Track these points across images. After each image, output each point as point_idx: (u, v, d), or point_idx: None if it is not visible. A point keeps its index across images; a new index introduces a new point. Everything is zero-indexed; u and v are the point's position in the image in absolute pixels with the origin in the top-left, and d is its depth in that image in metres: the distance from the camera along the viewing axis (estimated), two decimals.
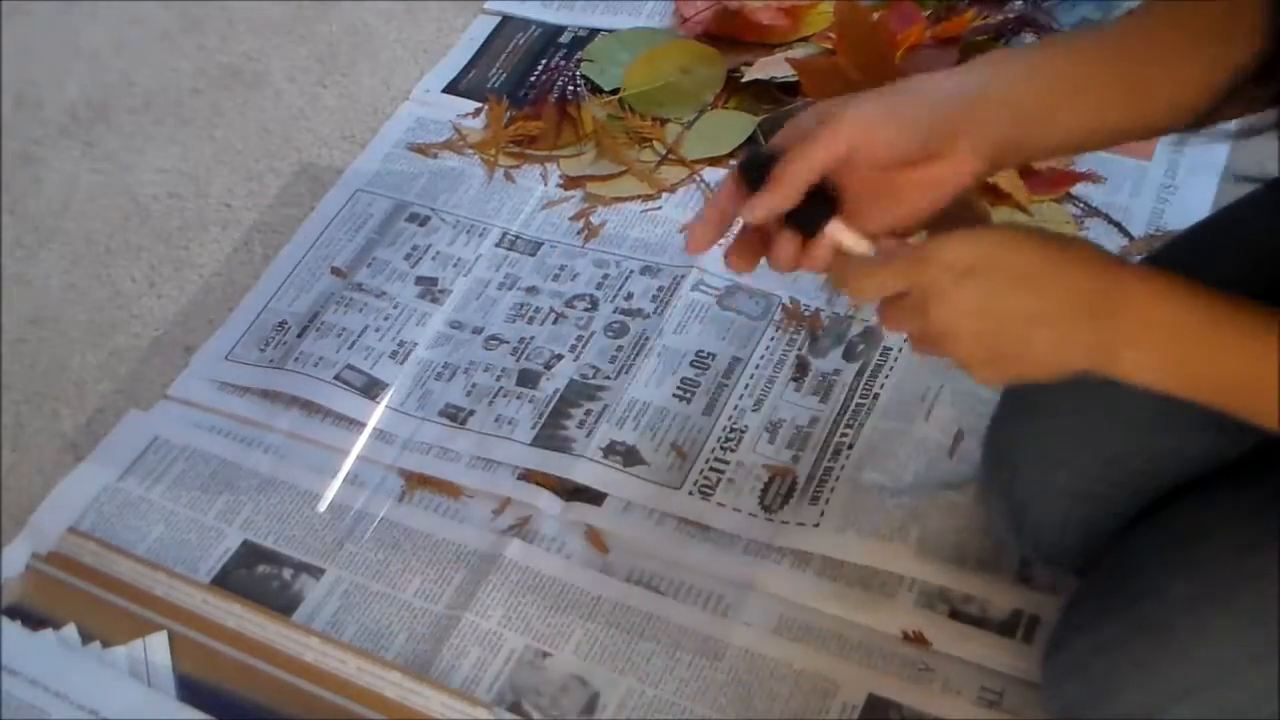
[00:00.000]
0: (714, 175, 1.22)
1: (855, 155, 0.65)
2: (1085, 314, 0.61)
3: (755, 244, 0.72)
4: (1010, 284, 0.61)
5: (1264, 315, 0.60)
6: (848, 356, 1.06)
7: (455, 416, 1.06)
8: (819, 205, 0.67)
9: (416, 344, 1.12)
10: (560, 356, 1.09)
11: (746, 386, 1.05)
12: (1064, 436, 0.77)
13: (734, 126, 1.25)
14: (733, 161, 0.72)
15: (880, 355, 1.05)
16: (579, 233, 1.19)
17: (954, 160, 0.66)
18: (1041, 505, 0.80)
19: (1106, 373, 0.62)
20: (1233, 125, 0.66)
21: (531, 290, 1.15)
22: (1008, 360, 0.62)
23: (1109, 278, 0.62)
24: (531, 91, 1.33)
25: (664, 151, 1.24)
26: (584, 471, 1.00)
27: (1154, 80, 0.66)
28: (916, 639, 0.88)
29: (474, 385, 1.08)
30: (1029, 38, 1.29)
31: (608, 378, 1.07)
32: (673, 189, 1.22)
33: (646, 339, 1.09)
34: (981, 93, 0.66)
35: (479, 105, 1.33)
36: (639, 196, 1.21)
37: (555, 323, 1.12)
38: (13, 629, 0.93)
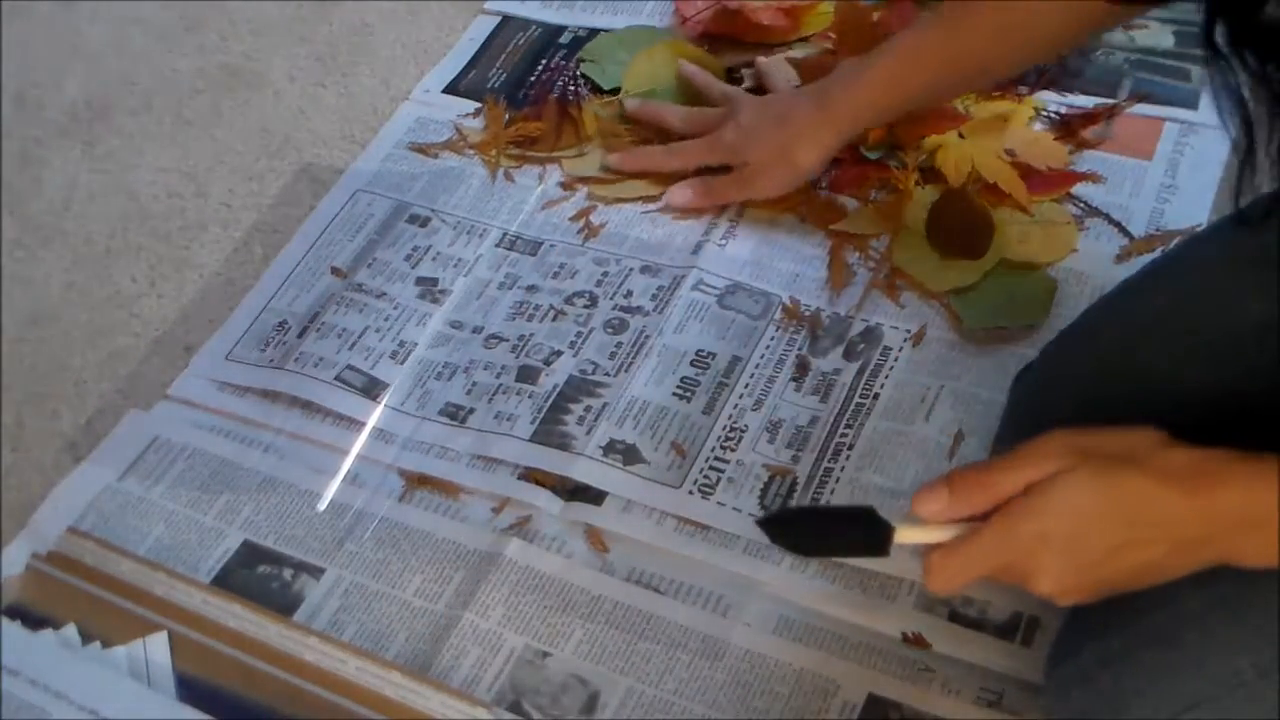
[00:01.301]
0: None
1: None
2: (1194, 541, 0.61)
3: None
4: (1111, 551, 0.61)
5: None
6: (848, 356, 1.06)
7: (455, 415, 1.06)
8: (873, 525, 0.68)
9: (416, 344, 1.12)
10: (559, 353, 1.09)
11: (746, 386, 1.05)
12: None
13: None
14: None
15: (880, 355, 1.05)
16: (579, 232, 1.19)
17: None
18: None
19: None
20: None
21: (531, 289, 1.15)
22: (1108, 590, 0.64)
23: (1204, 491, 0.61)
24: (531, 91, 1.33)
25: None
26: (584, 470, 1.00)
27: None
28: (916, 640, 0.88)
29: (474, 384, 1.08)
30: None
31: (607, 374, 1.07)
32: None
33: (646, 337, 1.09)
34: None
35: (479, 105, 1.33)
36: (641, 197, 1.21)
37: (555, 320, 1.12)
38: (13, 629, 0.93)
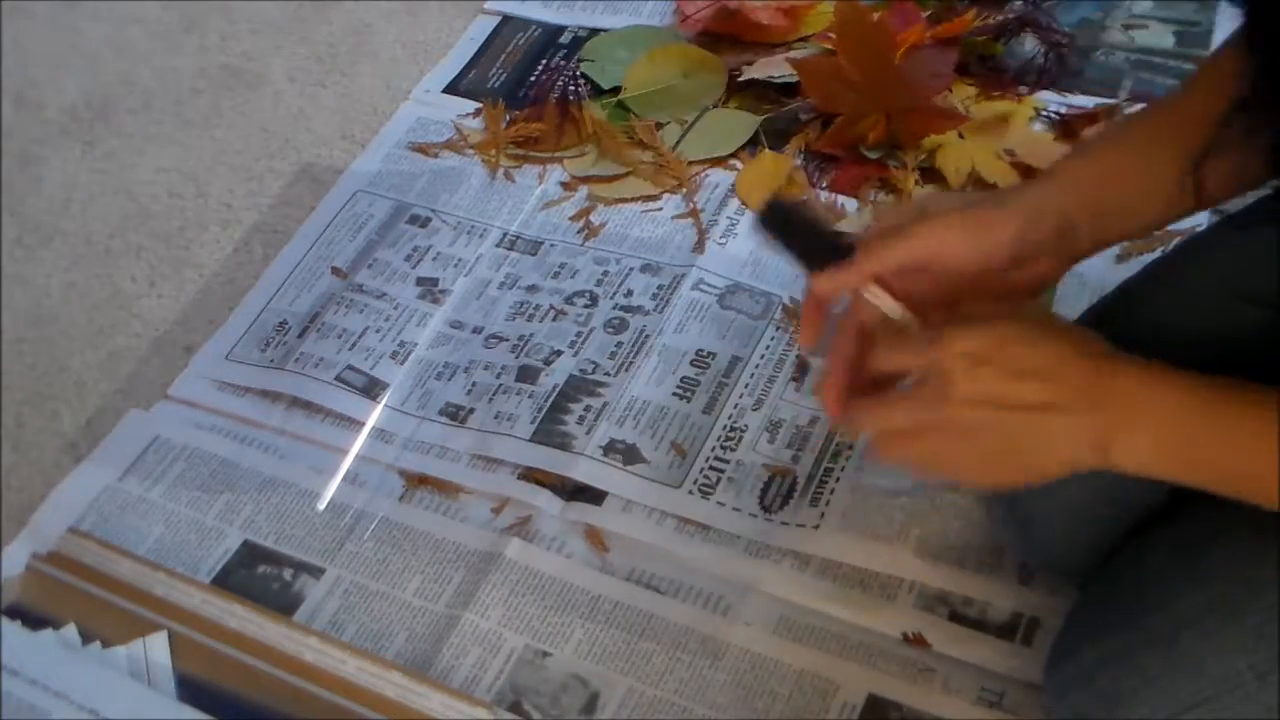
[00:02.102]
0: (716, 176, 1.22)
1: (933, 263, 0.69)
2: (1087, 405, 0.62)
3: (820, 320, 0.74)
4: (1021, 374, 0.62)
5: (1264, 394, 0.61)
6: None
7: (455, 415, 1.06)
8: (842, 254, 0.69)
9: (417, 344, 1.12)
10: (560, 352, 1.09)
11: (746, 386, 1.05)
12: None
13: (735, 126, 1.25)
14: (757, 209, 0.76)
15: None
16: (579, 232, 1.19)
17: (1035, 267, 0.71)
18: (1047, 521, 0.80)
19: (1107, 465, 0.63)
20: None
21: (532, 289, 1.15)
22: (1009, 457, 0.64)
23: (1107, 367, 0.63)
24: (531, 91, 1.33)
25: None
26: (584, 469, 1.00)
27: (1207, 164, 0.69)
28: (917, 640, 0.88)
29: (474, 384, 1.08)
30: (1029, 38, 1.30)
31: (607, 374, 1.07)
32: (675, 190, 1.22)
33: (646, 337, 1.09)
34: (1061, 210, 0.71)
35: (479, 105, 1.33)
36: (641, 197, 1.21)
37: (555, 320, 1.12)
38: (13, 629, 0.93)
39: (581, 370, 1.07)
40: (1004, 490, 0.83)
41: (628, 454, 1.01)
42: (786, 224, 0.71)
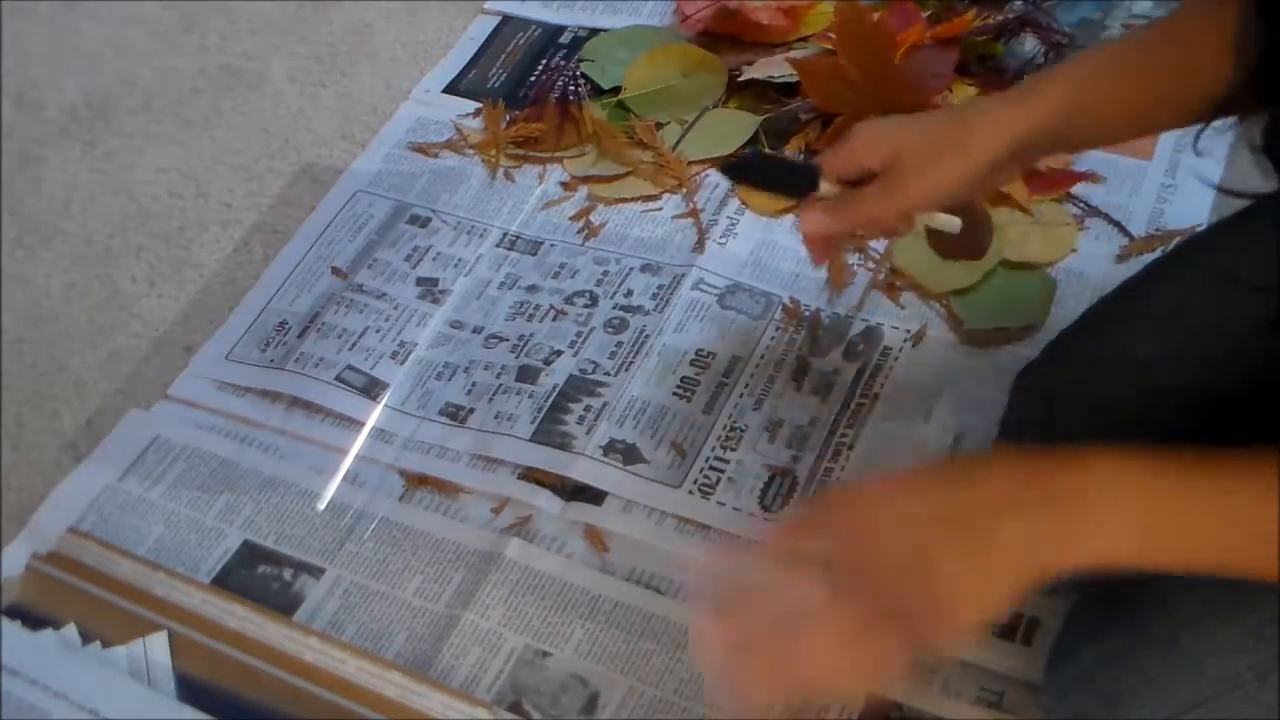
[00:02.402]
0: (716, 176, 1.22)
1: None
2: (1030, 505, 0.55)
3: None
4: (939, 485, 0.57)
5: (1244, 459, 0.55)
6: (848, 356, 1.06)
7: (455, 415, 1.06)
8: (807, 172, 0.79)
9: (417, 344, 1.12)
10: (560, 352, 1.09)
11: (746, 386, 1.05)
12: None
13: (735, 126, 1.25)
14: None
15: (880, 355, 1.05)
16: (579, 232, 1.19)
17: (968, 152, 0.74)
18: None
19: (1070, 565, 0.55)
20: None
21: (532, 289, 1.15)
22: (943, 601, 0.56)
23: (1045, 465, 0.56)
24: (531, 91, 1.33)
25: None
26: (584, 469, 1.00)
27: (1157, 99, 0.71)
28: None
29: (474, 384, 1.08)
30: (1029, 38, 1.29)
31: (607, 374, 1.07)
32: (675, 190, 1.22)
33: (646, 337, 1.09)
34: (1027, 139, 0.74)
35: (479, 105, 1.33)
36: (641, 197, 1.21)
37: (555, 320, 1.12)
38: (13, 629, 0.93)
39: (581, 370, 1.07)
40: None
41: (628, 454, 1.01)
42: (759, 173, 0.83)
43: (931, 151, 0.74)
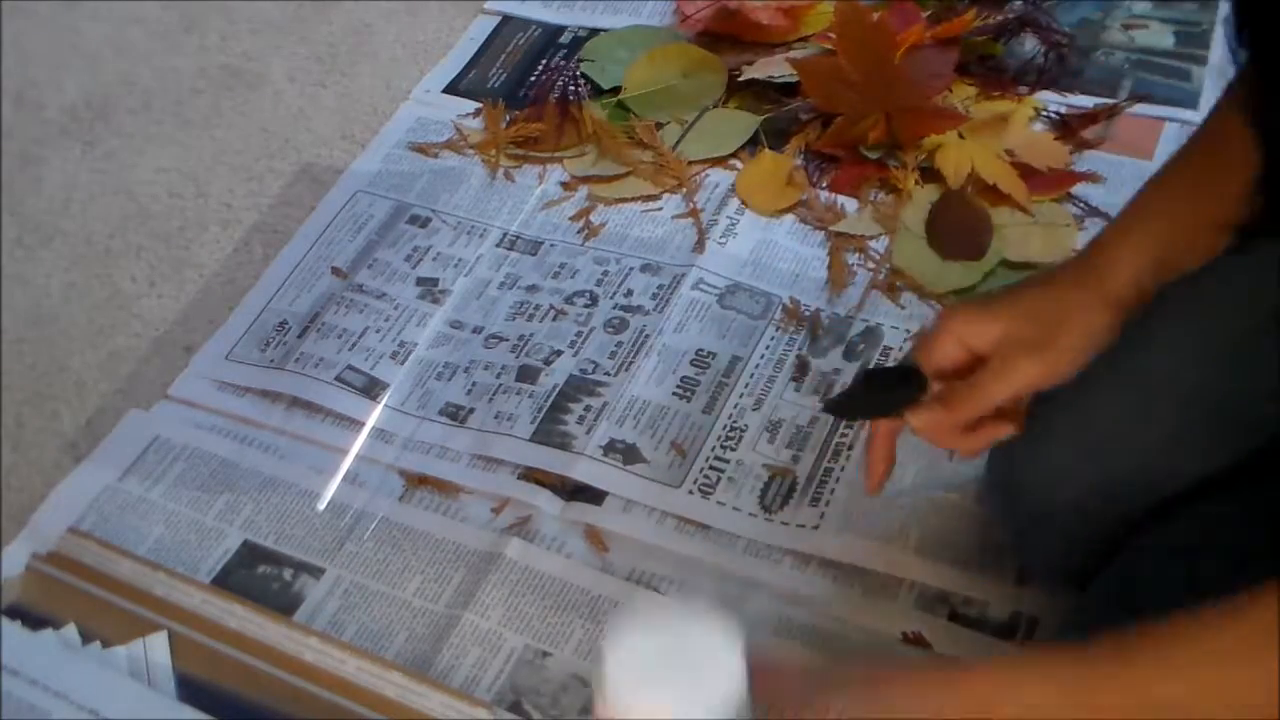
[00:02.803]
0: (716, 175, 1.22)
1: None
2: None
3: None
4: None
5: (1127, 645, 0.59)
6: (848, 356, 1.06)
7: (455, 415, 1.06)
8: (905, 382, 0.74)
9: (417, 344, 1.12)
10: (560, 352, 1.09)
11: (746, 385, 1.05)
12: (1067, 457, 0.77)
13: (735, 126, 1.25)
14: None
15: (880, 355, 1.05)
16: (579, 232, 1.19)
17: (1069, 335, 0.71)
18: (1047, 523, 0.80)
19: None
20: None
21: (532, 289, 1.15)
22: None
23: (955, 668, 0.63)
24: (531, 91, 1.33)
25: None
26: (584, 469, 1.00)
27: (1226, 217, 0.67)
28: (916, 640, 0.88)
29: (474, 384, 1.08)
30: (1029, 38, 1.30)
31: (607, 374, 1.07)
32: (675, 190, 1.22)
33: (646, 337, 1.09)
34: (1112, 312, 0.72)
35: (479, 105, 1.33)
36: (641, 197, 1.21)
37: (555, 319, 1.12)
38: (13, 629, 0.93)
39: (581, 370, 1.07)
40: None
41: (628, 454, 1.01)
42: (859, 403, 0.76)
43: (1038, 333, 0.71)
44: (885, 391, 0.75)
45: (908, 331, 1.06)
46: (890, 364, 0.73)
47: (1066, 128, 1.21)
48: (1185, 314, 0.77)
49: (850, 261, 1.13)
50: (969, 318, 0.72)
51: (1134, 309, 0.71)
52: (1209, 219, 0.69)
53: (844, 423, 1.01)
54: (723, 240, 1.16)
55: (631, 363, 1.07)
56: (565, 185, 1.24)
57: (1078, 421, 0.76)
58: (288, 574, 0.98)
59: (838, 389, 1.00)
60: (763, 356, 1.07)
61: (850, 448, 0.99)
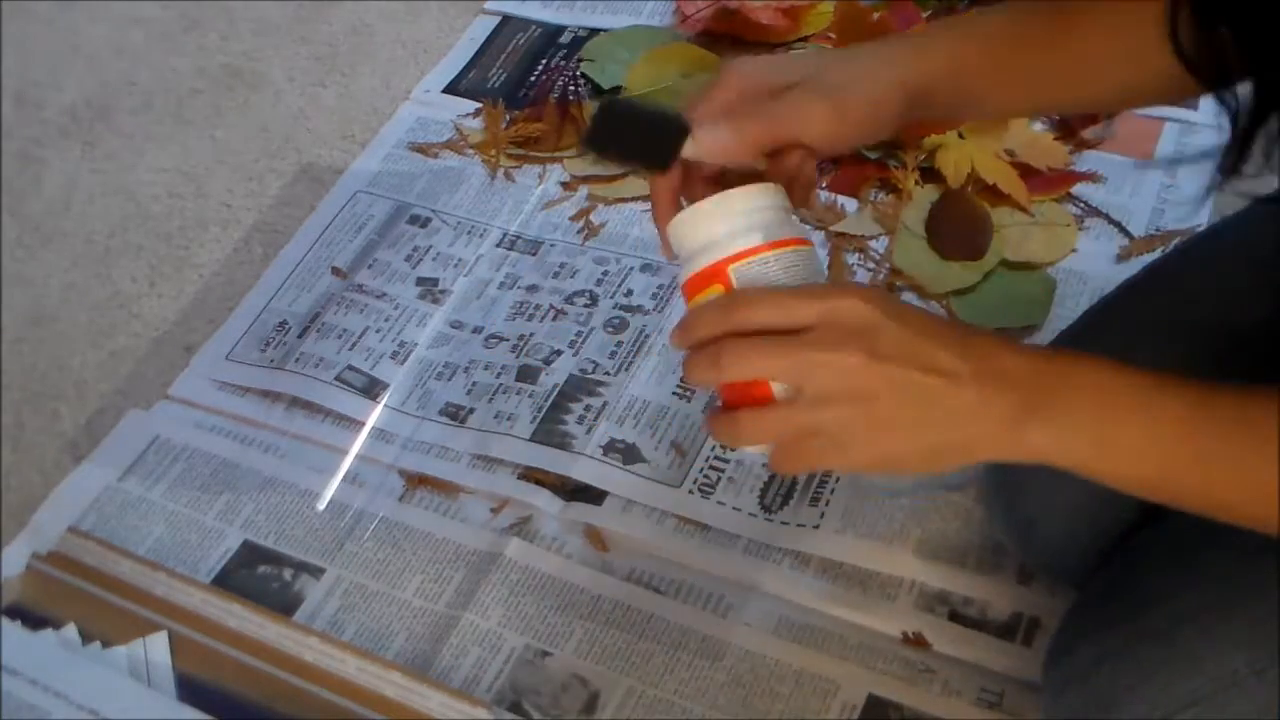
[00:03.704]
0: None
1: (787, 143, 0.65)
2: (1001, 383, 0.56)
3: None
4: (935, 336, 0.56)
5: (1234, 391, 0.56)
6: None
7: (455, 415, 1.06)
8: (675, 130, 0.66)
9: (417, 344, 1.12)
10: (560, 352, 1.09)
11: None
12: None
13: None
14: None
15: None
16: (579, 231, 1.19)
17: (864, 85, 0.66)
18: (1047, 523, 0.80)
19: (1025, 452, 0.57)
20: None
21: (532, 289, 1.15)
22: (912, 432, 0.57)
23: (1024, 350, 0.58)
24: (532, 91, 1.33)
25: None
26: (584, 469, 1.00)
27: (1071, 76, 0.68)
28: (917, 640, 0.88)
29: (474, 384, 1.08)
30: None
31: (607, 374, 1.07)
32: None
33: (646, 336, 1.09)
34: (919, 85, 0.66)
35: (479, 105, 1.33)
36: (641, 197, 1.21)
37: (555, 319, 1.12)
38: (13, 629, 0.93)
39: (581, 370, 1.07)
40: (999, 490, 0.83)
41: (628, 454, 1.01)
42: (613, 137, 0.66)
43: (828, 87, 0.65)
44: (644, 133, 0.67)
45: None
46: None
47: (1066, 127, 1.21)
48: (1184, 310, 0.78)
49: (850, 261, 1.13)
50: (758, 65, 0.67)
51: (921, 107, 0.67)
52: (1025, 68, 0.68)
53: None
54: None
55: (631, 362, 1.07)
56: (565, 185, 1.24)
57: None
58: (288, 574, 0.98)
59: None
60: None
61: None
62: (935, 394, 0.56)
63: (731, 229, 0.62)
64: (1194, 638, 0.66)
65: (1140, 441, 0.57)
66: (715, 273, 0.61)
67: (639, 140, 0.67)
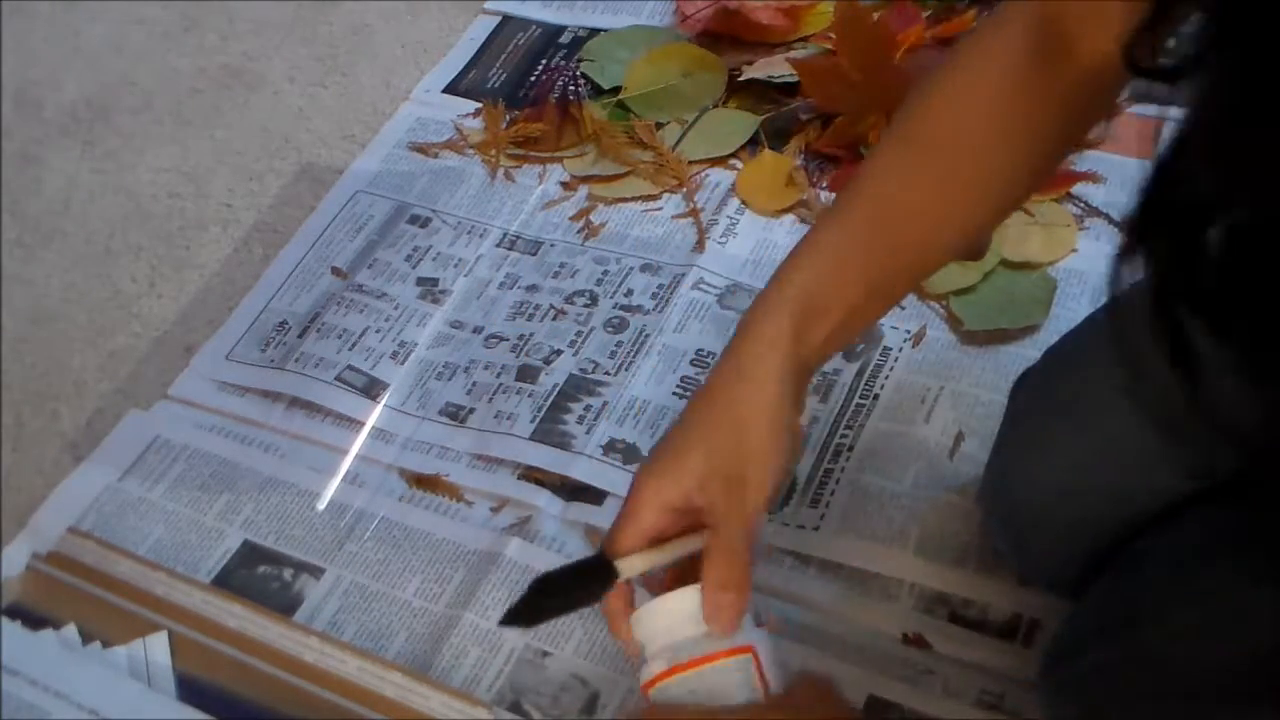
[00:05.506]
0: (716, 175, 1.22)
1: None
2: None
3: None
4: None
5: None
6: (848, 356, 1.06)
7: (455, 415, 1.06)
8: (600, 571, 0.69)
9: (417, 344, 1.12)
10: (560, 352, 1.09)
11: None
12: (1065, 470, 0.77)
13: (735, 126, 1.25)
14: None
15: (880, 355, 1.05)
16: (579, 231, 1.19)
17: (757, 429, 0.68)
18: (1043, 536, 0.79)
19: None
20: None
21: (532, 288, 1.15)
22: None
23: None
24: (532, 91, 1.33)
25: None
26: (584, 469, 1.00)
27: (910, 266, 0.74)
28: (917, 641, 0.88)
29: (474, 384, 1.08)
30: None
31: (607, 373, 1.07)
32: (675, 189, 1.22)
33: (646, 336, 1.09)
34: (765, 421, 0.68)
35: (479, 105, 1.33)
36: (641, 197, 1.21)
37: (555, 319, 1.12)
38: (13, 629, 0.93)
39: (581, 370, 1.07)
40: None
41: (628, 453, 1.01)
42: (540, 609, 0.70)
43: (731, 460, 0.67)
44: (571, 591, 0.69)
45: (908, 332, 1.06)
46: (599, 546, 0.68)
47: None
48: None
49: None
50: (660, 485, 0.67)
51: (810, 369, 0.69)
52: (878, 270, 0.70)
53: (844, 423, 1.01)
54: (723, 240, 1.16)
55: (631, 362, 1.07)
56: (565, 185, 1.24)
57: (1075, 429, 0.76)
58: (288, 574, 0.98)
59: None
60: None
61: (851, 449, 0.99)
62: None
63: (650, 647, 0.67)
64: (1189, 658, 0.65)
65: None
66: (644, 689, 0.67)
67: (566, 600, 0.70)
